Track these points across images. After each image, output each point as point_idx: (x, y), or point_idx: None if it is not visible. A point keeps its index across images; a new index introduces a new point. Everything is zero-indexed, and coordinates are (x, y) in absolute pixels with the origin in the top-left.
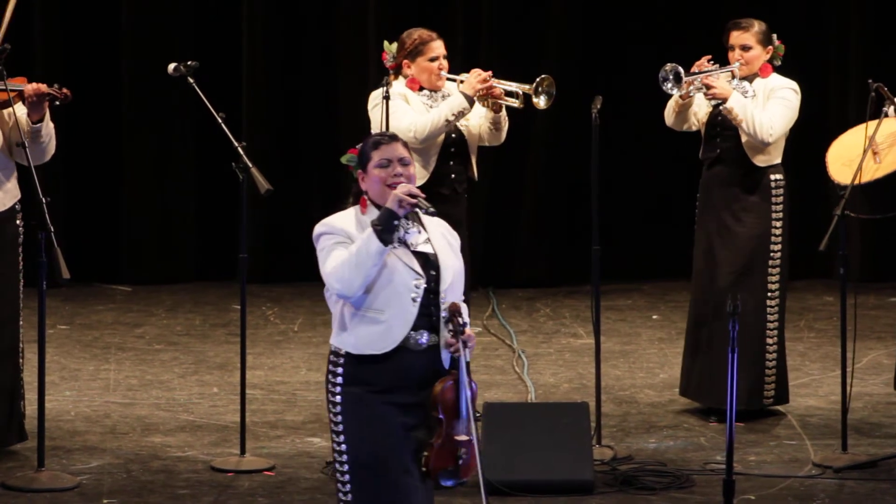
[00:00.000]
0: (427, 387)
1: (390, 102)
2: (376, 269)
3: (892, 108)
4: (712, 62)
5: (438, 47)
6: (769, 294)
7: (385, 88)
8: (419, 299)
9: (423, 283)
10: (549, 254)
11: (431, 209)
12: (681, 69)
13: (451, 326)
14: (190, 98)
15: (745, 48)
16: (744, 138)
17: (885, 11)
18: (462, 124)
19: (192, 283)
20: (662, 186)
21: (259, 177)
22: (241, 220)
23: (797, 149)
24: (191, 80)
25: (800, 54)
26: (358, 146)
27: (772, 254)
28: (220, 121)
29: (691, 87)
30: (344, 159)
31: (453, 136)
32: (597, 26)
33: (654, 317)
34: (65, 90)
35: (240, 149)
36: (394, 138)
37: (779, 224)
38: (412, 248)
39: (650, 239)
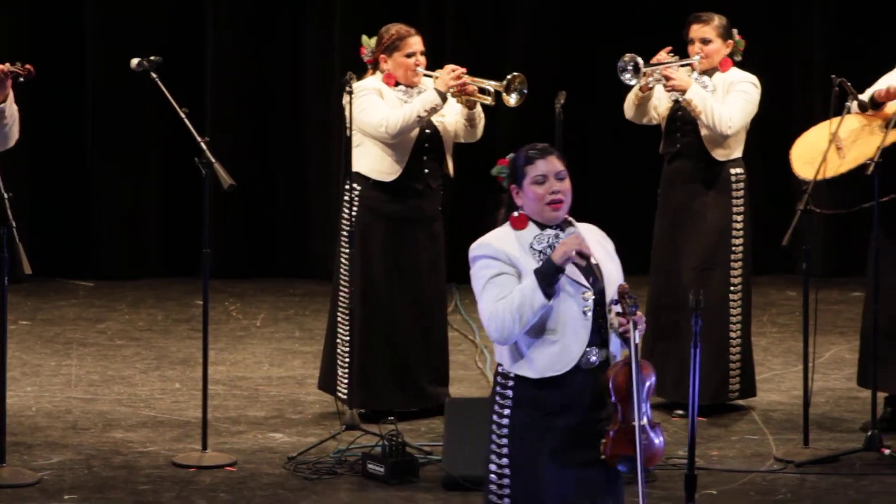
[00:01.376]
0: (598, 407)
1: (365, 97)
2: (537, 318)
3: (855, 103)
4: (672, 54)
5: (416, 43)
6: (732, 288)
7: (348, 84)
8: (590, 312)
9: (591, 296)
10: None
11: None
12: (639, 60)
13: (620, 308)
14: (154, 93)
15: (705, 41)
16: (703, 132)
17: (848, 7)
18: (437, 120)
19: (154, 279)
20: (628, 180)
21: (222, 172)
22: (205, 216)
23: (762, 144)
24: (154, 76)
25: (763, 49)
26: (508, 157)
27: (733, 248)
28: (183, 116)
29: (650, 79)
30: (494, 171)
31: (427, 131)
32: (563, 20)
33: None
34: (28, 66)
35: (203, 144)
36: (547, 151)
37: (740, 218)
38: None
39: (615, 232)
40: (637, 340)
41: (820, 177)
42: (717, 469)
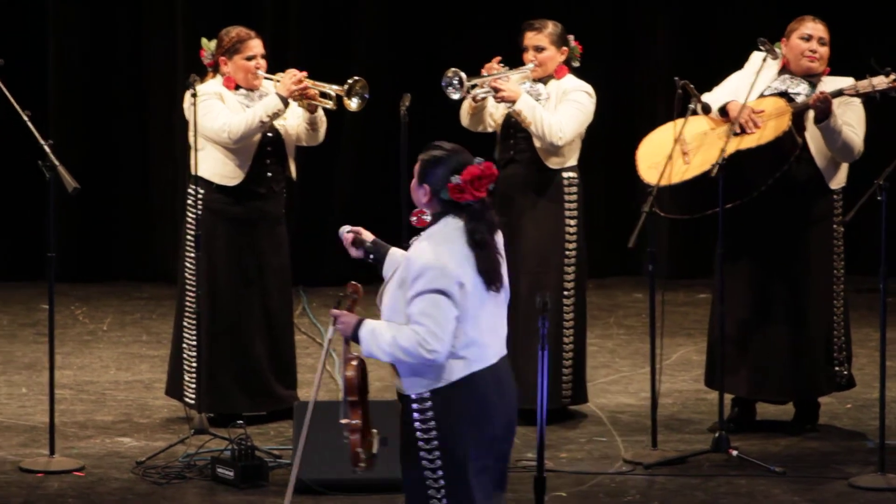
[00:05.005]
0: None
1: (206, 102)
2: None
3: (698, 105)
4: (503, 64)
5: (256, 46)
6: (565, 293)
7: (192, 87)
8: None
9: None
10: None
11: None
12: (462, 74)
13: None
14: None
15: (539, 49)
16: (535, 142)
17: (692, 8)
18: (279, 124)
19: None
20: None
21: (66, 175)
22: (49, 220)
23: (607, 147)
24: None
25: (607, 51)
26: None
27: (566, 253)
28: (26, 119)
29: (480, 91)
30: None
31: (270, 135)
32: (405, 25)
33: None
34: None
35: (46, 147)
36: None
37: (573, 223)
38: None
39: None
40: (330, 335)
41: (664, 182)
42: (566, 471)
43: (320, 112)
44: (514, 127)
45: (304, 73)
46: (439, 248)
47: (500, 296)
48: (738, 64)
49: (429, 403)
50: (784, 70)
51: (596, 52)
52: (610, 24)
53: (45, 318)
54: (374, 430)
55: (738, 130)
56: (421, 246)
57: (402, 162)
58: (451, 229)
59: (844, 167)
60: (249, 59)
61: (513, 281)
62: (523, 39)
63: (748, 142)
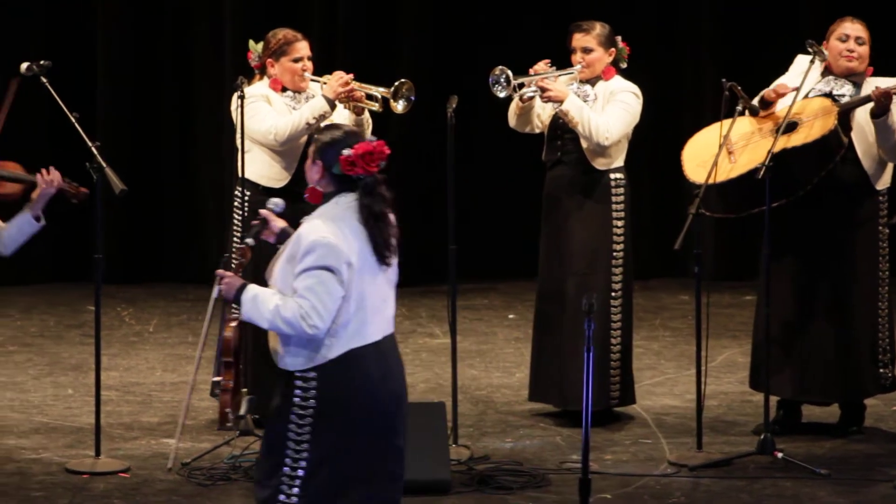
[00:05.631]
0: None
1: (253, 104)
2: None
3: (745, 107)
4: (550, 65)
5: (303, 48)
6: (613, 294)
7: (239, 89)
8: None
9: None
10: (406, 253)
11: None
12: (509, 72)
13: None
14: (45, 97)
15: (587, 50)
16: (583, 142)
17: (738, 9)
18: None
19: (46, 284)
20: (518, 186)
21: (113, 177)
22: (96, 221)
23: (653, 148)
24: (44, 80)
25: (653, 54)
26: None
27: (614, 254)
28: (73, 121)
29: (527, 91)
30: None
31: None
32: (448, 27)
33: (511, 316)
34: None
35: (94, 149)
36: None
37: (620, 224)
38: None
39: (506, 238)
40: (215, 294)
41: (711, 181)
42: (611, 473)
43: (366, 114)
44: (561, 128)
45: (351, 76)
46: (330, 226)
47: (389, 274)
48: (786, 65)
49: (312, 380)
50: (827, 72)
51: (643, 53)
52: (656, 25)
53: (92, 320)
54: (244, 391)
55: (786, 127)
56: (313, 223)
57: (449, 164)
58: (342, 207)
59: (890, 168)
60: (296, 60)
61: (560, 282)
62: (571, 41)
63: (795, 140)
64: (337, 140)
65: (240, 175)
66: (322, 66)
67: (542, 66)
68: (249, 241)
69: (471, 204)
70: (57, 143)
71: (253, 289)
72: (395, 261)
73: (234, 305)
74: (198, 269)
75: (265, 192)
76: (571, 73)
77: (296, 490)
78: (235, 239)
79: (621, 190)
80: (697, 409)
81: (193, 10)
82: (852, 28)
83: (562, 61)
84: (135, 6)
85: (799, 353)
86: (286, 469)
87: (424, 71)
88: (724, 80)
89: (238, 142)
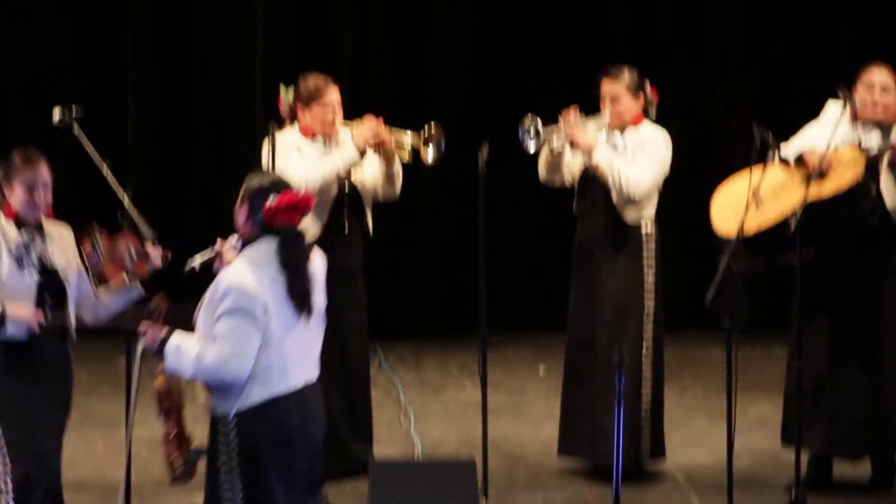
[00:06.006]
0: None
1: (283, 152)
2: None
3: (776, 154)
4: (581, 113)
5: (332, 94)
6: (644, 348)
7: (270, 136)
8: None
9: None
10: (436, 305)
11: None
12: (539, 121)
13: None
14: (74, 145)
15: (615, 98)
16: (613, 194)
17: (771, 55)
18: (357, 178)
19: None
20: (548, 236)
21: (144, 224)
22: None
23: (682, 197)
24: (76, 128)
25: (684, 98)
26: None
27: (645, 306)
28: (105, 169)
29: (556, 143)
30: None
31: (347, 187)
32: (485, 72)
33: (542, 366)
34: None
35: (124, 198)
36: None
37: (651, 277)
38: None
39: (537, 290)
40: (140, 349)
41: (740, 235)
42: None
43: (397, 165)
44: (591, 179)
45: (381, 119)
46: (248, 270)
47: (312, 322)
48: (818, 104)
49: (233, 425)
50: (856, 118)
51: (672, 100)
52: (686, 70)
53: (123, 372)
54: (189, 439)
55: (817, 174)
56: (232, 266)
57: (480, 213)
58: (262, 252)
59: None
60: (326, 107)
61: (592, 333)
62: (600, 87)
63: (826, 191)
64: (264, 188)
65: None
66: (352, 109)
67: (571, 113)
68: (195, 265)
69: (501, 254)
70: (85, 187)
71: (175, 339)
72: (315, 310)
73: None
74: None
75: None
76: (601, 120)
77: None
78: None
79: (653, 244)
80: (728, 466)
81: (224, 56)
82: (878, 76)
83: (592, 104)
84: (164, 55)
85: (829, 407)
86: None
87: (455, 118)
88: (754, 123)
89: None
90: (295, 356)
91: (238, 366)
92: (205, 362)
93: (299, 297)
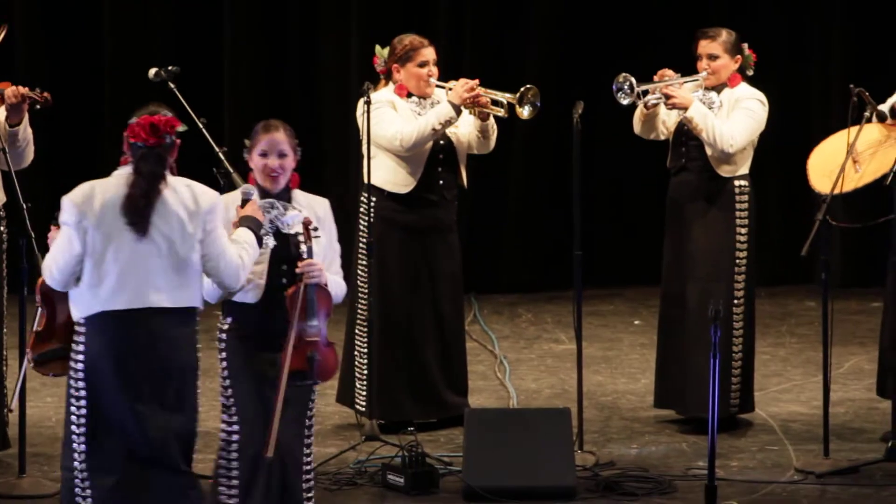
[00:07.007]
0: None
1: (378, 110)
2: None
3: (873, 113)
4: (677, 72)
5: (428, 53)
6: (735, 302)
7: (366, 95)
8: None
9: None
10: (531, 259)
11: None
12: (633, 79)
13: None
14: (171, 103)
15: (712, 57)
16: (707, 149)
17: (867, 15)
18: (451, 132)
19: None
20: (643, 191)
21: (240, 182)
22: None
23: (780, 155)
24: (171, 86)
25: (779, 61)
26: None
27: (737, 261)
28: (201, 126)
29: (651, 98)
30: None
31: (442, 143)
32: (576, 33)
33: (636, 322)
34: (45, 94)
35: (221, 154)
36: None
37: (743, 231)
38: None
39: (632, 243)
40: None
41: (837, 191)
42: (737, 480)
43: (492, 120)
44: (685, 134)
45: (476, 81)
46: (88, 185)
47: (151, 246)
48: None
49: (79, 333)
50: None
51: (770, 61)
52: (785, 31)
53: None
54: (52, 339)
55: None
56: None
57: (575, 168)
58: (120, 171)
59: None
60: (422, 66)
61: (682, 287)
62: (696, 47)
63: None
64: (137, 113)
65: (365, 181)
66: (448, 72)
67: (667, 71)
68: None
69: (596, 209)
70: (182, 147)
71: None
72: (162, 235)
73: None
74: None
75: (390, 198)
76: (697, 80)
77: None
78: (361, 244)
79: (745, 197)
80: (824, 416)
81: (320, 15)
82: None
83: (688, 67)
84: (261, 14)
85: None
86: (72, 418)
87: (551, 76)
88: (851, 85)
89: (364, 148)
90: (130, 275)
91: (51, 272)
92: (45, 262)
93: (128, 210)
